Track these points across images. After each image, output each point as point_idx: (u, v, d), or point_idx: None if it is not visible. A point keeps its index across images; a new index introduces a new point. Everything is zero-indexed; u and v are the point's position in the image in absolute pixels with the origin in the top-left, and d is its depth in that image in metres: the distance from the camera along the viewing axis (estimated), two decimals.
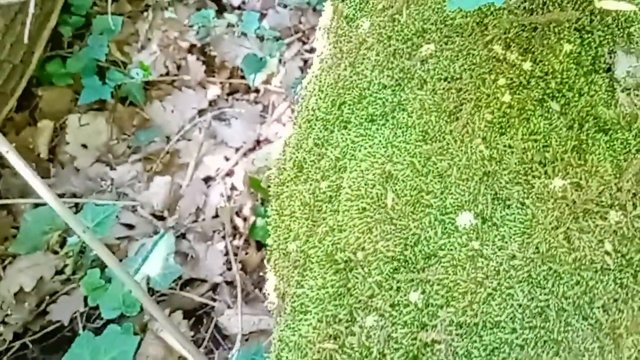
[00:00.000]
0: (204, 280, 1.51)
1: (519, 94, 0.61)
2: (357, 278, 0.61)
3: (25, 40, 1.17)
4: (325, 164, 0.71)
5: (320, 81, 0.82)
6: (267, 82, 1.77)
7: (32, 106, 1.74)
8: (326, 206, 0.69)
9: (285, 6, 1.65)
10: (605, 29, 0.60)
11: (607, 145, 0.56)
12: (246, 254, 1.52)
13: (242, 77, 1.80)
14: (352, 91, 0.74)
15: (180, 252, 1.55)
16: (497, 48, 0.64)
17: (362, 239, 0.62)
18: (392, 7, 0.76)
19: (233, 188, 1.67)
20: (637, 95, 0.57)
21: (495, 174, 0.58)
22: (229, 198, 1.65)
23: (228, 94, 1.83)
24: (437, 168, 0.61)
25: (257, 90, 1.80)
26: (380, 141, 0.66)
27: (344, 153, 0.69)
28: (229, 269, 1.52)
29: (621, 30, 0.60)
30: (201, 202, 1.64)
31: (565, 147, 0.56)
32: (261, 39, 1.70)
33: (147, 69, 1.68)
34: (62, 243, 1.52)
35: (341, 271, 0.63)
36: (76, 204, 1.61)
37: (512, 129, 0.59)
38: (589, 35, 0.60)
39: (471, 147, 0.60)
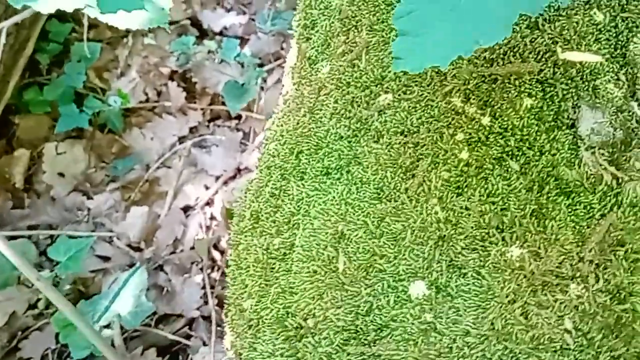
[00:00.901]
0: (180, 315, 1.47)
1: (477, 151, 0.57)
2: (307, 347, 0.57)
3: None
4: (280, 217, 0.68)
5: (281, 125, 0.78)
6: (248, 108, 1.74)
7: (9, 134, 1.71)
8: (279, 265, 0.65)
9: (267, 32, 1.62)
10: (569, 81, 0.57)
11: (569, 210, 0.52)
12: (223, 288, 1.47)
13: (224, 104, 1.76)
14: (310, 140, 0.70)
15: (157, 285, 1.51)
16: (456, 100, 0.60)
17: (313, 305, 0.58)
18: (351, 51, 0.72)
19: (212, 218, 1.63)
20: (603, 154, 0.53)
21: (451, 238, 0.54)
22: (207, 228, 1.61)
23: (209, 121, 1.79)
24: (391, 230, 0.57)
25: (238, 117, 1.77)
26: (334, 197, 0.62)
27: (298, 207, 0.66)
28: (206, 303, 1.48)
29: (586, 83, 0.56)
30: (179, 232, 1.60)
31: (524, 212, 0.53)
32: (242, 65, 1.67)
33: (125, 96, 1.65)
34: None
35: (291, 338, 0.59)
36: (51, 236, 1.57)
37: (469, 189, 0.56)
38: (552, 88, 0.57)
39: (427, 207, 0.56)
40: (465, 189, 0.56)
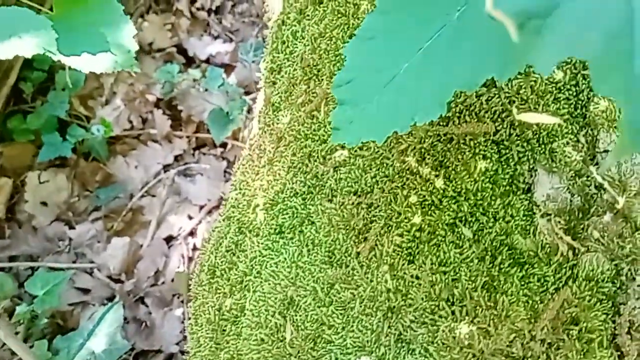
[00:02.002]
0: (159, 351, 1.44)
1: (430, 215, 0.55)
2: None
3: None
4: (234, 276, 0.65)
5: (243, 174, 0.76)
6: (234, 137, 1.72)
7: None
8: (230, 328, 0.62)
9: (249, 63, 1.61)
10: (525, 144, 0.55)
11: (522, 283, 0.50)
12: None
13: (209, 131, 1.75)
14: (267, 194, 0.68)
15: (136, 319, 1.48)
16: (411, 159, 0.58)
17: None
18: (311, 102, 0.70)
19: (195, 249, 1.61)
20: (559, 222, 0.51)
21: (400, 310, 0.52)
22: (190, 259, 1.58)
23: (195, 148, 1.78)
24: (341, 298, 0.54)
25: (224, 145, 1.76)
26: (285, 259, 0.60)
27: (251, 267, 0.63)
28: (186, 338, 1.45)
29: (542, 146, 0.54)
30: (161, 264, 1.57)
31: (475, 284, 0.50)
32: (227, 93, 1.66)
33: (108, 125, 1.64)
34: (13, 310, 1.46)
35: None
36: (32, 267, 1.55)
37: (421, 256, 0.53)
38: (508, 150, 0.55)
39: (377, 275, 0.54)
40: (417, 256, 0.53)
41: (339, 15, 0.74)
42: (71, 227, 1.63)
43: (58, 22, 0.85)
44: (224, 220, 0.76)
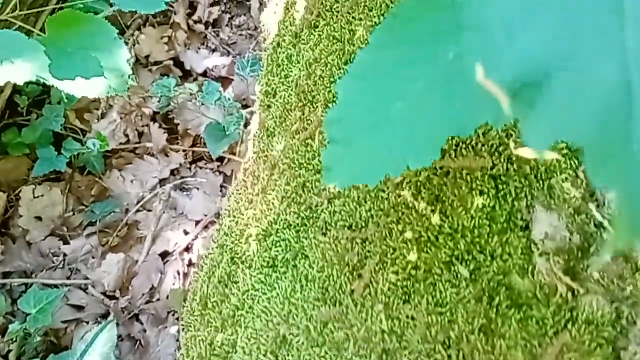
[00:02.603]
0: None
1: (426, 253, 0.53)
2: None
3: None
4: (226, 310, 0.64)
5: (237, 202, 0.75)
6: (231, 151, 1.71)
7: None
8: None
9: (246, 78, 1.60)
10: (523, 179, 0.53)
11: (520, 326, 0.48)
12: None
13: (206, 145, 1.74)
14: (260, 224, 0.67)
15: (131, 337, 1.46)
16: (406, 193, 0.57)
17: None
18: (306, 129, 0.69)
19: (190, 265, 1.59)
20: (558, 262, 0.49)
21: (396, 353, 0.50)
22: (185, 276, 1.57)
23: (191, 162, 1.76)
24: (335, 338, 0.53)
25: (221, 159, 1.74)
26: (279, 294, 0.58)
27: (243, 301, 0.62)
28: None
29: (541, 182, 0.53)
30: (156, 280, 1.56)
31: (473, 326, 0.49)
32: (225, 107, 1.65)
33: (104, 140, 1.63)
34: (5, 329, 1.44)
35: None
36: (25, 284, 1.53)
37: (417, 295, 0.52)
38: (505, 186, 0.53)
39: (372, 314, 0.52)
40: (413, 296, 0.52)
41: (335, 41, 0.73)
42: (66, 243, 1.62)
43: (50, 45, 0.84)
44: (217, 247, 0.75)
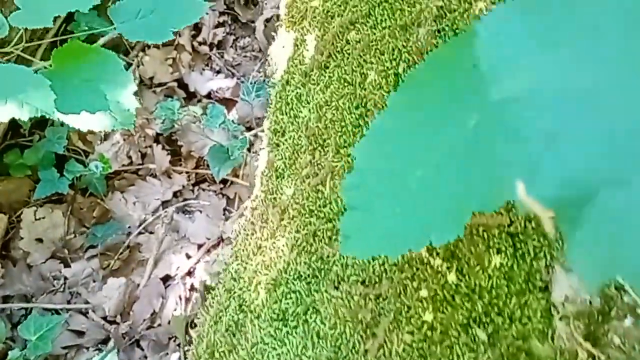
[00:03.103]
0: None
1: (442, 313, 0.52)
2: None
3: None
4: None
5: (245, 244, 0.74)
6: (234, 174, 1.70)
7: None
8: None
9: (251, 103, 1.59)
10: (542, 238, 0.52)
11: None
12: None
13: (209, 167, 1.73)
14: (269, 272, 0.65)
15: None
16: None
17: None
18: (316, 174, 0.68)
19: (192, 289, 1.58)
20: (579, 327, 0.48)
21: None
22: (187, 300, 1.55)
23: (194, 184, 1.75)
24: None
25: (224, 181, 1.73)
26: (289, 350, 0.57)
27: (252, 355, 0.61)
28: None
29: (560, 241, 0.52)
30: (158, 305, 1.54)
31: None
32: (229, 130, 1.64)
33: (107, 162, 1.62)
34: (5, 354, 1.42)
35: None
36: (25, 308, 1.52)
37: (433, 358, 0.51)
38: (523, 244, 0.52)
39: None
40: (429, 358, 0.51)
41: (345, 84, 0.72)
42: (66, 265, 1.60)
43: (56, 77, 0.83)
44: (224, 291, 0.73)
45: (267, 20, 1.80)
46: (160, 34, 0.96)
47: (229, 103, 1.78)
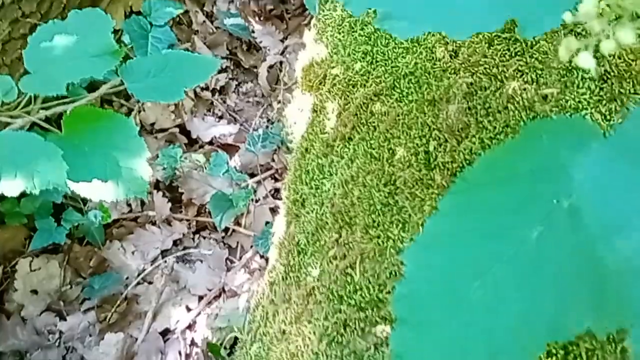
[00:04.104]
0: None
1: None
2: None
3: None
4: None
5: (267, 326, 0.70)
6: (236, 222, 1.66)
7: None
8: None
9: (257, 153, 1.57)
10: (594, 341, 0.49)
11: None
12: None
13: (210, 214, 1.69)
14: None
15: None
16: None
17: None
18: (344, 256, 0.65)
19: (193, 344, 1.52)
20: None
21: None
22: (187, 356, 1.50)
23: (195, 232, 1.71)
24: None
25: (225, 229, 1.69)
26: None
27: None
28: None
29: (612, 344, 0.49)
30: None
31: None
32: (232, 178, 1.61)
33: (106, 211, 1.58)
34: None
35: None
36: None
37: None
38: (575, 347, 0.50)
39: None
40: None
41: (372, 159, 0.70)
42: (62, 318, 1.54)
43: (66, 144, 0.80)
44: None
45: (270, 67, 1.80)
46: (172, 94, 0.93)
47: (231, 149, 1.75)
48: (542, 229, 0.39)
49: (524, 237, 0.39)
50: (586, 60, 0.31)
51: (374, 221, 0.65)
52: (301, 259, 0.70)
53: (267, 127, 1.75)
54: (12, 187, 0.73)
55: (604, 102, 0.58)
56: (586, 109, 0.59)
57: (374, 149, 0.69)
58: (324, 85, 0.84)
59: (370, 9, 0.39)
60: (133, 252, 1.66)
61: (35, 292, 1.57)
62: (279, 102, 1.78)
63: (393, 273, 0.60)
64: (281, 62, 1.79)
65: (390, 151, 0.68)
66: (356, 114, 0.74)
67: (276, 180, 1.71)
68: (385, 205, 0.65)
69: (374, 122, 0.72)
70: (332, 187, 0.72)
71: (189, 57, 0.97)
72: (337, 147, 0.74)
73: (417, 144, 0.66)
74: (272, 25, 1.85)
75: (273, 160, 1.69)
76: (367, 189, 0.67)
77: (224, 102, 1.81)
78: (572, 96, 0.60)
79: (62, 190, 0.73)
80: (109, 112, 0.84)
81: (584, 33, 0.57)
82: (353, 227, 0.67)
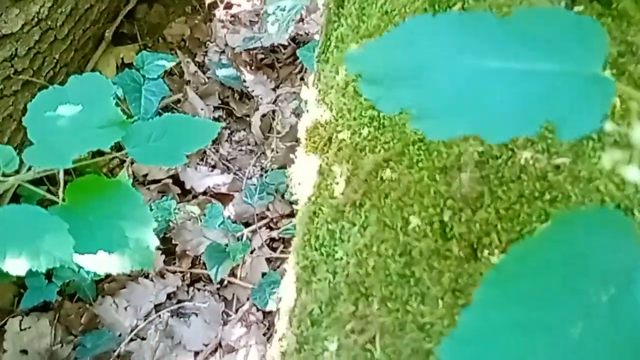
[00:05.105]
0: None
1: None
2: None
3: None
4: None
5: None
6: (232, 273, 1.64)
7: None
8: None
9: (254, 204, 1.56)
10: None
11: None
12: None
13: (205, 265, 1.67)
14: None
15: None
16: None
17: None
18: (363, 331, 0.64)
19: None
20: None
21: None
22: None
23: (189, 285, 1.68)
24: None
25: (221, 281, 1.67)
26: None
27: None
28: None
29: None
30: None
31: None
32: (228, 230, 1.60)
33: None
34: None
35: None
36: None
37: None
38: None
39: None
40: None
41: (386, 228, 0.69)
42: None
43: (70, 214, 0.79)
44: None
45: (263, 115, 1.81)
46: (173, 158, 0.93)
47: (225, 198, 1.74)
48: (583, 325, 0.38)
49: (565, 334, 0.39)
50: (634, 175, 0.32)
51: (391, 293, 0.64)
52: (316, 331, 0.69)
53: (261, 175, 1.75)
54: (17, 266, 0.71)
55: (617, 172, 0.59)
56: (599, 178, 0.60)
57: (387, 216, 0.69)
58: (329, 148, 0.84)
59: (402, 109, 0.39)
60: (126, 308, 1.62)
61: (25, 352, 1.52)
62: (272, 150, 1.79)
63: (415, 350, 0.59)
64: (274, 111, 1.80)
65: (404, 220, 0.68)
66: (366, 180, 0.74)
67: (271, 229, 1.70)
68: (402, 276, 0.65)
69: (385, 189, 0.72)
70: (345, 255, 0.71)
71: (189, 122, 0.97)
72: (348, 213, 0.74)
73: (431, 213, 0.66)
74: (264, 74, 1.87)
75: (268, 209, 1.68)
76: (382, 259, 0.67)
77: (217, 151, 1.81)
78: (585, 166, 0.61)
79: (68, 266, 0.71)
80: (114, 180, 0.84)
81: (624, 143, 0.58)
82: (370, 299, 0.66)
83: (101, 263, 0.78)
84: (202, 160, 1.80)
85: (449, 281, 0.62)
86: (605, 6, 0.72)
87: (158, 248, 1.70)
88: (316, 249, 0.77)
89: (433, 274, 0.63)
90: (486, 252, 0.61)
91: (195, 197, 1.74)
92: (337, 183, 0.79)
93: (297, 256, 0.80)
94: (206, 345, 1.55)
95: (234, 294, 1.63)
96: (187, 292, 1.66)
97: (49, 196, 1.04)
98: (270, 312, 1.51)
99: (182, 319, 1.61)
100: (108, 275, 1.65)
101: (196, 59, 1.89)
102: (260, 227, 1.66)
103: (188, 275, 1.68)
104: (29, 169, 0.92)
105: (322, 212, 0.79)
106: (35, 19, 1.39)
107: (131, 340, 1.57)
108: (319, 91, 0.94)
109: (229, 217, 1.66)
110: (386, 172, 0.73)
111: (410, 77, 0.40)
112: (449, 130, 0.37)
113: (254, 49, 1.87)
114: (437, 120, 0.37)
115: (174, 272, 1.68)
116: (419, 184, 0.70)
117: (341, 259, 0.72)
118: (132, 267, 0.79)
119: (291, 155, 1.05)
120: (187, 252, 1.69)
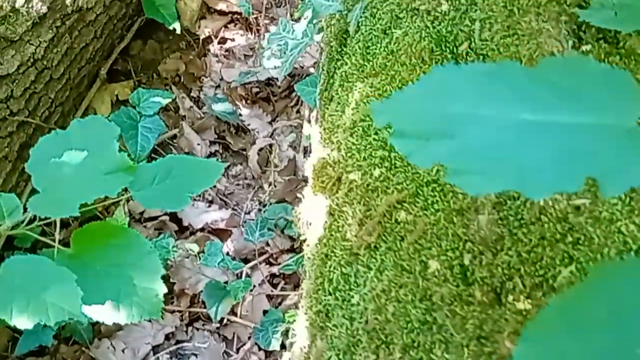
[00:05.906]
0: None
1: None
2: None
3: None
4: None
5: None
6: (232, 312, 1.61)
7: None
8: None
9: (255, 242, 1.54)
10: None
11: None
12: None
13: (204, 304, 1.63)
14: None
15: None
16: None
17: None
18: None
19: None
20: None
21: None
22: None
23: (188, 324, 1.64)
24: None
25: (220, 319, 1.63)
26: None
27: None
28: None
29: None
30: None
31: None
32: (228, 268, 1.57)
33: None
34: None
35: None
36: None
37: None
38: None
39: None
40: None
41: (404, 272, 0.68)
42: None
43: (76, 263, 0.76)
44: None
45: (260, 149, 1.80)
46: (178, 201, 0.91)
47: (224, 234, 1.72)
48: None
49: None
50: None
51: (413, 341, 0.63)
52: None
53: (259, 210, 1.73)
54: (25, 321, 0.69)
55: (637, 212, 0.59)
56: (620, 220, 0.60)
57: (404, 260, 0.68)
58: (339, 189, 0.83)
59: (438, 163, 0.38)
60: (123, 350, 1.58)
61: None
62: (270, 184, 1.77)
63: None
64: (271, 145, 1.79)
65: (423, 264, 0.67)
66: (380, 222, 0.73)
67: (271, 264, 1.67)
68: (424, 323, 0.63)
69: (400, 232, 0.71)
70: (362, 301, 0.70)
71: (193, 163, 0.96)
72: (363, 256, 0.73)
73: (450, 257, 0.65)
74: (260, 108, 1.86)
75: (268, 244, 1.66)
76: (402, 305, 0.65)
77: (214, 186, 1.79)
78: (605, 207, 0.61)
79: (77, 319, 0.68)
80: (121, 227, 0.82)
81: None
82: (391, 347, 0.64)
83: (109, 313, 0.76)
84: (199, 196, 1.78)
85: (474, 328, 0.60)
86: (612, 45, 0.73)
87: None
88: (330, 293, 0.76)
89: (456, 320, 0.62)
90: (511, 297, 0.60)
91: (193, 233, 1.71)
92: (350, 225, 0.78)
93: (309, 300, 0.79)
94: None
95: (234, 333, 1.59)
96: (186, 332, 1.62)
97: (43, 239, 1.02)
98: (272, 352, 1.48)
99: None
100: None
101: (191, 94, 1.88)
102: (260, 263, 1.64)
103: (187, 314, 1.64)
104: (25, 209, 0.90)
105: (335, 254, 0.78)
106: (31, 60, 1.38)
107: None
108: (324, 129, 0.94)
109: (227, 253, 1.63)
110: (401, 214, 0.73)
111: (443, 131, 0.39)
112: (488, 186, 0.37)
113: (249, 82, 1.88)
114: (476, 177, 0.36)
115: (172, 312, 1.64)
116: (436, 226, 0.69)
117: (358, 304, 0.71)
118: (141, 317, 0.76)
119: (289, 189, 1.04)
120: (186, 291, 1.65)
